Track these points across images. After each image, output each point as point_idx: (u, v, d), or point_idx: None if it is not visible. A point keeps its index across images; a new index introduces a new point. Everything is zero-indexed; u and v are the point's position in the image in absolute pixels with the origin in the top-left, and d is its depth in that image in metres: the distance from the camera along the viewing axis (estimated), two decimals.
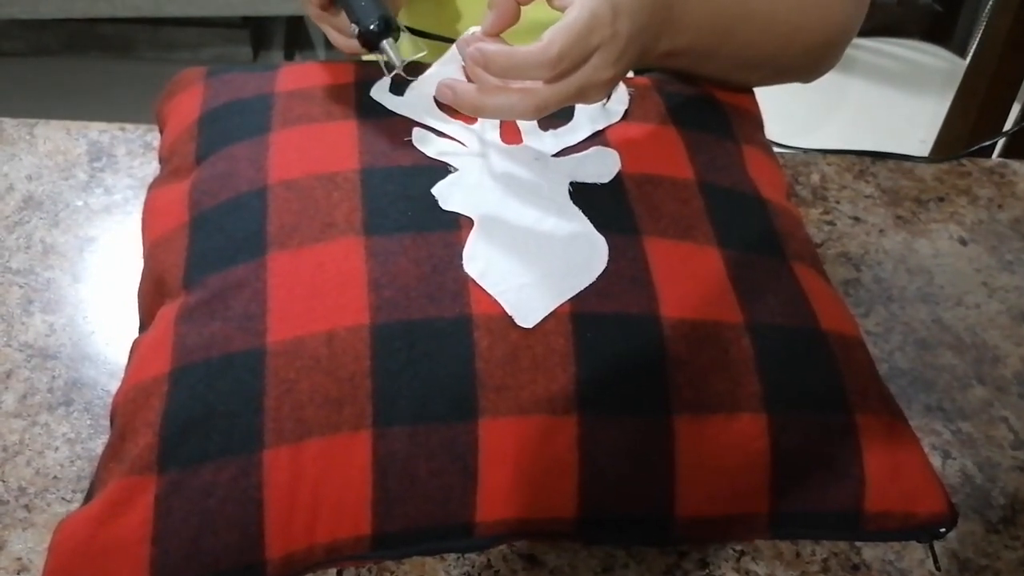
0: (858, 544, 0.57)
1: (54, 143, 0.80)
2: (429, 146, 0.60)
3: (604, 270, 0.55)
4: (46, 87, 2.11)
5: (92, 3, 1.91)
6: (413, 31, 0.70)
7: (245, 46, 2.14)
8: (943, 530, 0.54)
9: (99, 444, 0.60)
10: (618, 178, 0.60)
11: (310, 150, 0.60)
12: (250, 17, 2.10)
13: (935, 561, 0.55)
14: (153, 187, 0.65)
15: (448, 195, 0.57)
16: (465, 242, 0.55)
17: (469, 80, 0.55)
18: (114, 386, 0.55)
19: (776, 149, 0.74)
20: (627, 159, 0.61)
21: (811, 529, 0.55)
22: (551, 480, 0.51)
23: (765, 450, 0.52)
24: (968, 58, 1.78)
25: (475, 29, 0.57)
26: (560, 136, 0.63)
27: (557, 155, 0.61)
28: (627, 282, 0.55)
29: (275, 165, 0.59)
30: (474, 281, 0.53)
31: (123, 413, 0.52)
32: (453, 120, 0.62)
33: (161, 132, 0.69)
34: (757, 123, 0.72)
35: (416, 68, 0.63)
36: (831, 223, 0.78)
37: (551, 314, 0.53)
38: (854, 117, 2.21)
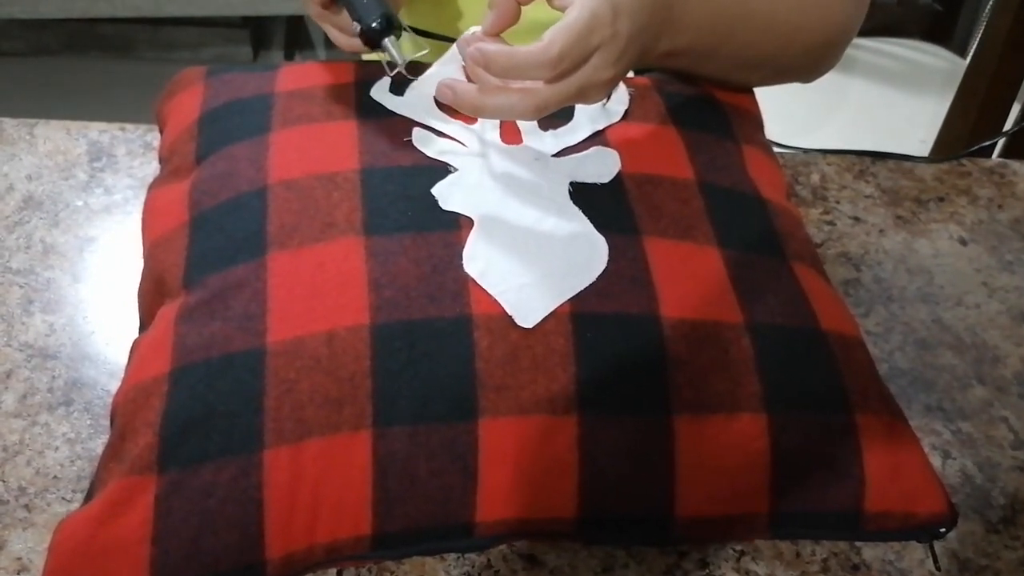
0: (858, 544, 0.57)
1: (54, 143, 0.80)
2: (429, 146, 0.60)
3: (604, 270, 0.55)
4: (46, 87, 2.11)
5: (92, 3, 1.91)
6: (413, 30, 0.70)
7: (245, 46, 2.14)
8: (943, 530, 0.54)
9: (99, 444, 0.60)
10: (618, 178, 0.60)
11: (310, 150, 0.60)
12: (250, 17, 2.10)
13: (935, 561, 0.56)
14: (153, 187, 0.65)
15: (448, 195, 0.57)
16: (465, 242, 0.55)
17: (469, 80, 0.55)
18: (114, 386, 0.55)
19: (776, 149, 0.74)
20: (627, 159, 0.61)
21: (811, 529, 0.55)
22: (551, 480, 0.51)
23: (765, 450, 0.52)
24: (968, 58, 1.78)
25: (475, 29, 0.57)
26: (560, 136, 0.63)
27: (557, 155, 0.62)
28: (627, 282, 0.55)
29: (275, 165, 0.59)
30: (474, 281, 0.53)
31: (123, 413, 0.52)
32: (453, 120, 0.62)
33: (161, 132, 0.69)
34: (757, 123, 0.72)
35: (416, 68, 0.63)
36: (831, 223, 0.78)
37: (551, 314, 0.53)
38: (854, 117, 2.21)
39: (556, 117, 0.60)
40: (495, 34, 0.56)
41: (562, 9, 0.54)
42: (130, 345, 0.57)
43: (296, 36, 2.27)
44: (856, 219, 0.78)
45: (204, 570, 0.48)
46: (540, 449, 0.50)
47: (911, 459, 0.55)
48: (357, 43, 0.63)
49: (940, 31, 2.39)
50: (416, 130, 0.61)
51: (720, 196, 0.62)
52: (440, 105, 0.62)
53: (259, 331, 0.52)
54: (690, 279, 0.56)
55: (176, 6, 1.92)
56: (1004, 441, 0.64)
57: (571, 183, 0.59)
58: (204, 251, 0.57)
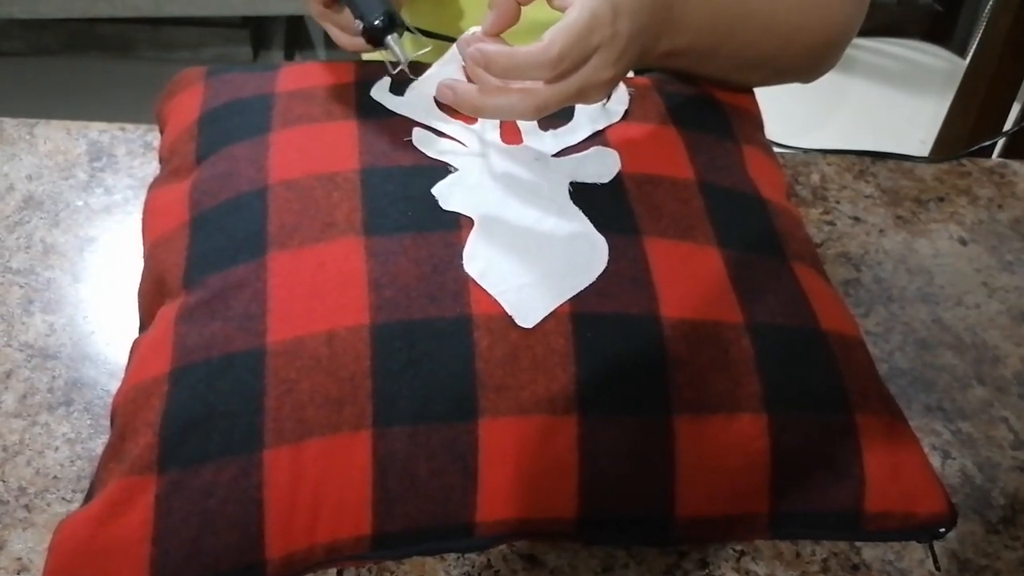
0: (858, 544, 0.57)
1: (54, 143, 0.80)
2: (429, 146, 0.60)
3: (604, 270, 0.55)
4: (46, 87, 2.11)
5: (92, 3, 1.91)
6: (412, 30, 0.70)
7: (245, 46, 2.14)
8: (943, 530, 0.54)
9: (99, 444, 0.60)
10: (618, 178, 0.60)
11: (310, 150, 0.60)
12: (250, 17, 2.10)
13: (935, 561, 0.56)
14: (153, 187, 0.65)
15: (448, 195, 0.57)
16: (465, 242, 0.55)
17: (469, 80, 0.55)
18: (114, 386, 0.55)
19: (776, 149, 0.74)
20: (627, 159, 0.61)
21: (811, 529, 0.55)
22: (551, 480, 0.51)
23: (765, 450, 0.52)
24: (968, 58, 1.78)
25: (475, 29, 0.57)
26: (560, 136, 0.63)
27: (557, 155, 0.62)
28: (627, 282, 0.55)
29: (275, 165, 0.59)
30: (474, 281, 0.53)
31: (123, 413, 0.52)
32: (453, 120, 0.62)
33: (161, 132, 0.69)
34: (757, 123, 0.72)
35: (417, 68, 0.63)
36: (831, 223, 0.78)
37: (551, 314, 0.53)
38: (854, 117, 2.21)
39: (556, 117, 0.60)
40: (495, 34, 0.56)
41: (562, 9, 0.54)
42: (130, 345, 0.57)
43: (296, 36, 2.27)
44: (856, 219, 0.78)
45: (204, 570, 0.48)
46: (540, 449, 0.50)
47: (911, 459, 0.55)
48: (359, 42, 0.63)
49: (940, 31, 2.39)
50: (416, 130, 0.61)
51: (720, 196, 0.62)
52: (440, 105, 0.62)
53: (259, 331, 0.52)
54: (690, 279, 0.56)
55: (176, 6, 1.92)
56: (1004, 441, 0.64)
57: (571, 183, 0.59)
58: (204, 251, 0.57)
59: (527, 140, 0.62)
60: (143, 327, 0.58)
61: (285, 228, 0.56)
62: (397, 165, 0.59)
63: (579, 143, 0.63)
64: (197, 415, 0.50)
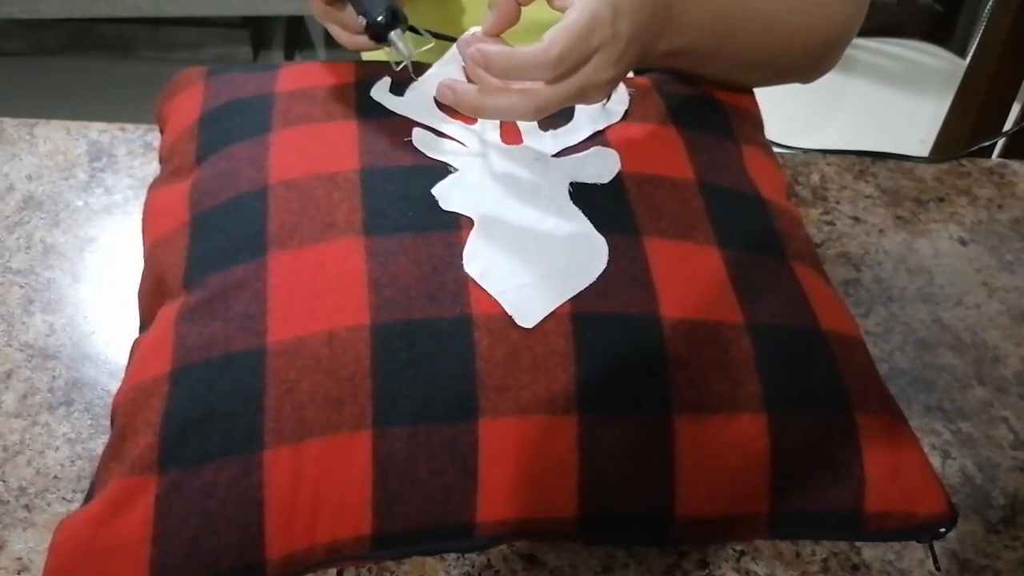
0: (858, 544, 0.57)
1: (54, 143, 0.80)
2: (429, 146, 0.60)
3: (604, 270, 0.55)
4: (46, 87, 2.11)
5: (92, 3, 1.91)
6: (414, 29, 0.70)
7: (245, 46, 2.14)
8: (943, 530, 0.54)
9: (99, 444, 0.60)
10: (618, 178, 0.60)
11: (310, 150, 0.60)
12: (250, 17, 2.10)
13: (935, 561, 0.56)
14: (153, 187, 0.65)
15: (448, 195, 0.57)
16: (465, 242, 0.55)
17: (469, 80, 0.55)
18: (114, 386, 0.55)
19: (776, 149, 0.74)
20: (627, 159, 0.61)
21: (811, 529, 0.55)
22: (551, 480, 0.51)
23: (765, 450, 0.52)
24: (968, 58, 1.78)
25: (475, 29, 0.57)
26: (560, 136, 0.63)
27: (557, 155, 0.62)
28: (627, 282, 0.55)
29: (275, 165, 0.59)
30: (474, 281, 0.53)
31: (123, 413, 0.52)
32: (453, 120, 0.62)
33: (161, 132, 0.69)
34: (757, 123, 0.72)
35: (417, 68, 0.63)
36: (831, 223, 0.78)
37: (551, 314, 0.53)
38: (854, 117, 2.21)
39: (556, 117, 0.60)
40: (495, 34, 0.56)
41: (562, 10, 0.54)
42: (130, 345, 0.57)
43: (296, 36, 2.27)
44: (856, 219, 0.78)
45: (204, 570, 0.48)
46: (540, 449, 0.50)
47: (911, 459, 0.55)
48: (361, 40, 0.63)
49: (940, 31, 2.39)
50: (416, 130, 0.61)
51: (720, 196, 0.62)
52: (440, 105, 0.62)
53: (259, 331, 0.52)
54: (690, 279, 0.56)
55: (176, 6, 1.92)
56: (1004, 441, 0.64)
57: (571, 183, 0.59)
58: (204, 251, 0.57)
59: (527, 140, 0.62)
60: (143, 327, 0.58)
61: (285, 228, 0.56)
62: (397, 165, 0.59)
63: (579, 143, 0.63)
64: (197, 415, 0.50)
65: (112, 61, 2.17)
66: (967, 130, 1.59)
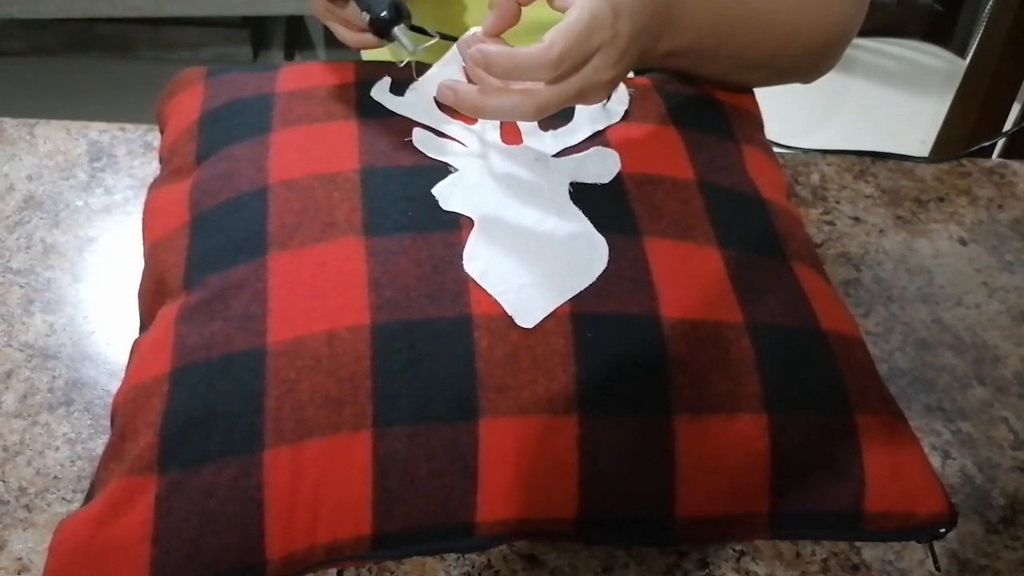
0: (858, 544, 0.57)
1: (54, 143, 0.80)
2: (429, 146, 0.60)
3: (604, 270, 0.55)
4: (46, 87, 2.11)
5: (92, 3, 1.91)
6: (417, 29, 0.70)
7: (245, 46, 2.14)
8: (943, 530, 0.54)
9: (99, 444, 0.60)
10: (618, 178, 0.60)
11: (311, 150, 0.60)
12: (250, 17, 2.10)
13: (935, 561, 0.56)
14: (153, 187, 0.65)
15: (448, 195, 0.57)
16: (465, 242, 0.55)
17: (470, 81, 0.55)
18: (114, 386, 0.55)
19: (776, 149, 0.74)
20: (627, 159, 0.61)
21: (811, 529, 0.55)
22: (551, 480, 0.51)
23: (765, 450, 0.52)
24: (968, 58, 1.78)
25: (476, 30, 0.57)
26: (560, 136, 0.63)
27: (557, 155, 0.62)
28: (627, 282, 0.55)
29: (275, 165, 0.59)
30: (474, 281, 0.53)
31: (123, 413, 0.52)
32: (453, 120, 0.62)
33: (161, 132, 0.69)
34: (757, 123, 0.72)
35: (418, 68, 0.63)
36: (831, 223, 0.78)
37: (551, 314, 0.53)
38: (854, 117, 2.21)
39: (556, 117, 0.60)
40: (496, 35, 0.56)
41: (562, 10, 0.54)
42: (130, 345, 0.57)
43: (296, 36, 2.27)
44: (856, 219, 0.78)
45: (204, 570, 0.48)
46: (540, 449, 0.50)
47: (911, 459, 0.55)
48: (364, 38, 0.63)
49: (940, 31, 2.39)
50: (416, 130, 0.61)
51: (720, 196, 0.62)
52: (440, 105, 0.62)
53: (259, 331, 0.52)
54: (690, 279, 0.56)
55: (176, 6, 1.92)
56: (1004, 441, 0.64)
57: (571, 183, 0.59)
58: (204, 251, 0.57)
59: (527, 140, 0.62)
60: (143, 327, 0.58)
61: (285, 228, 0.56)
62: (397, 165, 0.59)
63: (579, 143, 0.63)
64: (197, 415, 0.50)
65: (112, 61, 2.17)
66: (967, 130, 1.59)
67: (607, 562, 0.56)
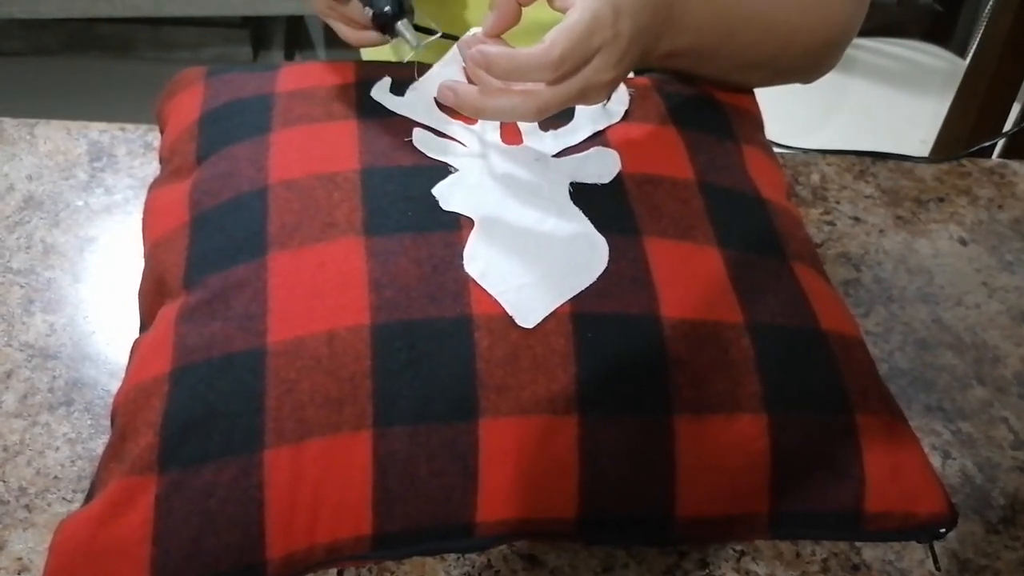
0: (858, 544, 0.58)
1: (54, 143, 0.80)
2: (429, 146, 0.60)
3: (604, 270, 0.55)
4: (46, 87, 2.11)
5: (92, 3, 1.91)
6: (422, 28, 0.70)
7: (245, 46, 2.14)
8: (943, 530, 0.54)
9: (100, 444, 0.60)
10: (618, 178, 0.60)
11: (311, 150, 0.60)
12: (250, 17, 2.10)
13: (935, 561, 0.56)
14: (154, 187, 0.65)
15: (448, 195, 0.57)
16: (466, 242, 0.55)
17: (470, 81, 0.55)
18: (115, 386, 0.55)
19: (776, 149, 0.74)
20: (627, 159, 0.61)
21: (811, 529, 0.55)
22: (551, 480, 0.51)
23: (765, 450, 0.52)
24: (968, 58, 1.78)
25: (476, 30, 0.57)
26: (560, 136, 0.63)
27: (557, 155, 0.62)
28: (627, 282, 0.55)
29: (276, 165, 0.59)
30: (475, 281, 0.53)
31: (124, 413, 0.52)
32: (453, 121, 0.62)
33: (161, 132, 0.69)
34: (757, 123, 0.72)
35: (419, 69, 0.63)
36: (831, 223, 0.78)
37: (551, 314, 0.53)
38: (854, 117, 2.21)
39: (556, 117, 0.60)
40: (496, 35, 0.56)
41: (563, 10, 0.54)
42: (131, 345, 0.57)
43: (296, 36, 2.27)
44: (856, 219, 0.78)
45: (205, 570, 0.48)
46: (540, 449, 0.50)
47: (911, 459, 0.55)
48: (366, 35, 0.63)
49: (940, 31, 2.39)
50: (416, 130, 0.61)
51: (720, 196, 0.62)
52: (440, 106, 0.62)
53: (260, 331, 0.52)
54: (690, 279, 0.56)
55: (176, 6, 1.92)
56: (1004, 441, 0.64)
57: (571, 183, 0.59)
58: (205, 251, 0.57)
59: (527, 140, 0.62)
60: (143, 327, 0.58)
61: (285, 228, 0.56)
62: (397, 165, 0.59)
63: (579, 143, 0.63)
64: (197, 415, 0.50)
65: (112, 61, 2.17)
66: (967, 130, 1.59)
67: (607, 562, 0.56)
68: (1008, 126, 1.57)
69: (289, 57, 2.22)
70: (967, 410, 0.65)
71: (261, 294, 0.53)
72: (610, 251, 0.56)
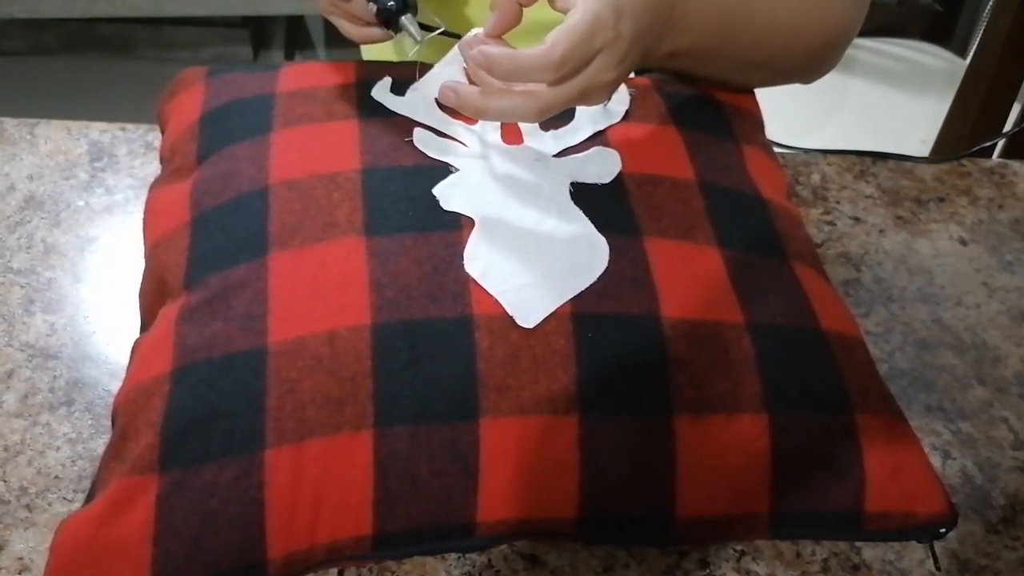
0: (858, 544, 0.58)
1: (55, 143, 0.80)
2: (430, 146, 0.60)
3: (605, 270, 0.55)
4: (46, 87, 2.11)
5: (92, 3, 1.91)
6: (420, 26, 0.70)
7: (245, 46, 2.14)
8: (943, 530, 0.54)
9: (100, 444, 0.60)
10: (619, 178, 0.60)
11: (311, 150, 0.60)
12: (250, 17, 2.10)
13: (935, 561, 0.56)
14: (154, 187, 0.65)
15: (449, 195, 0.57)
16: (466, 242, 0.55)
17: (471, 82, 0.55)
18: (115, 386, 0.55)
19: (776, 149, 0.74)
20: (628, 159, 0.61)
21: (811, 529, 0.55)
22: (552, 480, 0.51)
23: (765, 450, 0.53)
24: (968, 58, 1.78)
25: (477, 31, 0.57)
26: (561, 137, 0.63)
27: (558, 156, 0.62)
28: (628, 282, 0.55)
29: (276, 165, 0.59)
30: (475, 281, 0.53)
31: (124, 413, 0.52)
32: (454, 121, 0.62)
33: (162, 132, 0.69)
34: (757, 123, 0.72)
35: (421, 69, 0.63)
36: (831, 223, 0.78)
37: (552, 314, 0.53)
38: (854, 117, 2.21)
39: (557, 118, 0.60)
40: (497, 36, 0.56)
41: (564, 11, 0.54)
42: (131, 345, 0.57)
43: (296, 36, 2.27)
44: (856, 219, 0.78)
45: (205, 570, 0.48)
46: (541, 449, 0.50)
47: (911, 459, 0.55)
48: (370, 32, 0.63)
49: (940, 31, 2.39)
50: (417, 130, 0.61)
51: (720, 196, 0.62)
52: (441, 106, 0.62)
53: (260, 331, 0.52)
54: (690, 279, 0.56)
55: (176, 6, 1.92)
56: (1004, 441, 0.64)
57: (572, 183, 0.59)
58: (205, 251, 0.57)
59: (528, 141, 0.62)
60: (144, 327, 0.59)
61: (286, 228, 0.56)
62: (398, 165, 0.59)
63: (580, 143, 0.63)
64: (198, 415, 0.50)
65: (112, 61, 2.17)
66: (967, 130, 1.59)
67: (607, 562, 0.56)
68: (1008, 126, 1.57)
69: (289, 57, 2.22)
70: (967, 410, 0.65)
71: (262, 294, 0.53)
72: (610, 251, 0.56)
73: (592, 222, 0.57)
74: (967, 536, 0.59)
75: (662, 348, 0.53)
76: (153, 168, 0.77)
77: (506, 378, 0.51)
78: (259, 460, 0.49)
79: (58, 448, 0.60)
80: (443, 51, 0.63)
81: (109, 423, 0.54)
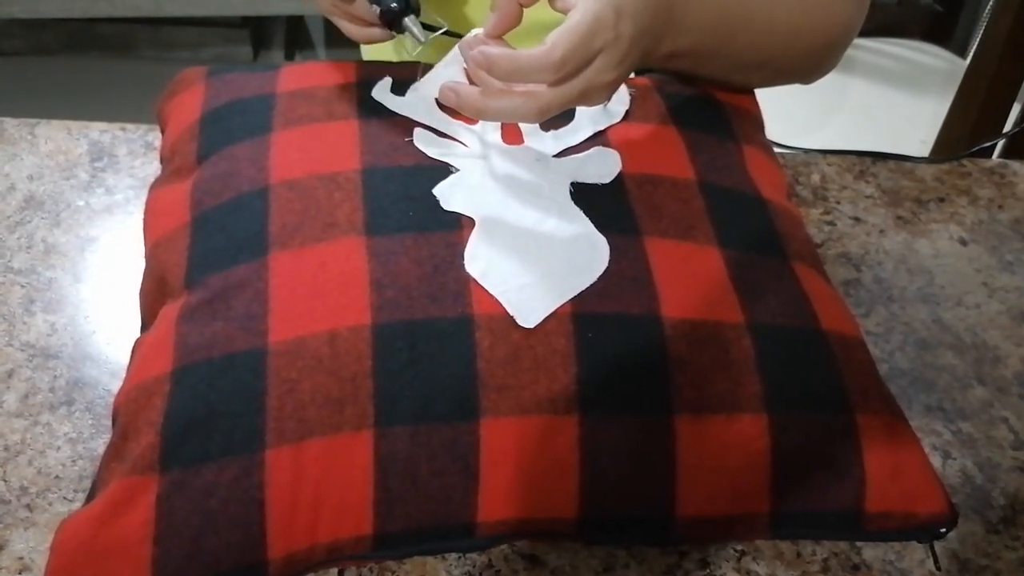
0: (858, 544, 0.58)
1: (55, 143, 0.80)
2: (431, 146, 0.60)
3: (605, 270, 0.55)
4: (46, 87, 2.11)
5: (92, 3, 1.91)
6: (428, 27, 0.70)
7: (245, 46, 2.14)
8: (943, 530, 0.54)
9: (101, 444, 0.60)
10: (619, 178, 0.60)
11: (312, 150, 0.60)
12: (250, 17, 2.10)
13: (935, 561, 0.56)
14: (154, 187, 0.65)
15: (449, 195, 0.57)
16: (467, 242, 0.55)
17: (471, 82, 0.55)
18: (116, 386, 0.55)
19: (776, 149, 0.74)
20: (628, 159, 0.61)
21: (812, 529, 0.55)
22: (552, 480, 0.51)
23: (766, 450, 0.53)
24: (968, 58, 1.78)
25: (478, 31, 0.57)
26: (561, 137, 0.63)
27: (558, 156, 0.62)
28: (628, 282, 0.55)
29: (277, 165, 0.59)
30: (476, 281, 0.53)
31: (125, 413, 0.52)
32: (454, 121, 0.62)
33: (162, 132, 0.69)
34: (758, 123, 0.72)
35: (423, 69, 0.63)
36: (831, 223, 0.78)
37: (552, 314, 0.53)
38: (854, 117, 2.21)
39: (557, 118, 0.60)
40: (497, 36, 0.56)
41: (564, 11, 0.54)
42: (132, 345, 0.57)
43: (296, 36, 2.27)
44: (856, 219, 0.78)
45: (206, 570, 0.48)
46: (541, 449, 0.50)
47: (911, 459, 0.55)
48: (372, 32, 0.63)
49: (940, 31, 2.39)
50: (417, 130, 0.61)
51: (721, 196, 0.62)
52: (441, 106, 0.62)
53: (261, 331, 0.52)
54: (691, 279, 0.56)
55: (176, 6, 1.93)
56: (1004, 441, 0.64)
57: (572, 183, 0.59)
58: (206, 251, 0.57)
59: (528, 141, 0.62)
60: (144, 327, 0.59)
61: (286, 228, 0.56)
62: (398, 165, 0.59)
63: (580, 144, 0.63)
64: (199, 415, 0.50)
65: (112, 61, 2.17)
66: (967, 130, 1.59)
67: (608, 562, 0.56)
68: (1008, 126, 1.57)
69: (289, 57, 2.22)
70: (967, 410, 0.66)
71: (262, 294, 0.53)
72: (611, 251, 0.56)
73: (592, 222, 0.57)
74: (967, 536, 0.59)
75: (662, 348, 0.53)
76: (153, 168, 0.77)
77: (506, 378, 0.51)
78: (259, 460, 0.49)
79: (58, 448, 0.60)
80: (443, 51, 0.63)
81: (109, 423, 0.54)
